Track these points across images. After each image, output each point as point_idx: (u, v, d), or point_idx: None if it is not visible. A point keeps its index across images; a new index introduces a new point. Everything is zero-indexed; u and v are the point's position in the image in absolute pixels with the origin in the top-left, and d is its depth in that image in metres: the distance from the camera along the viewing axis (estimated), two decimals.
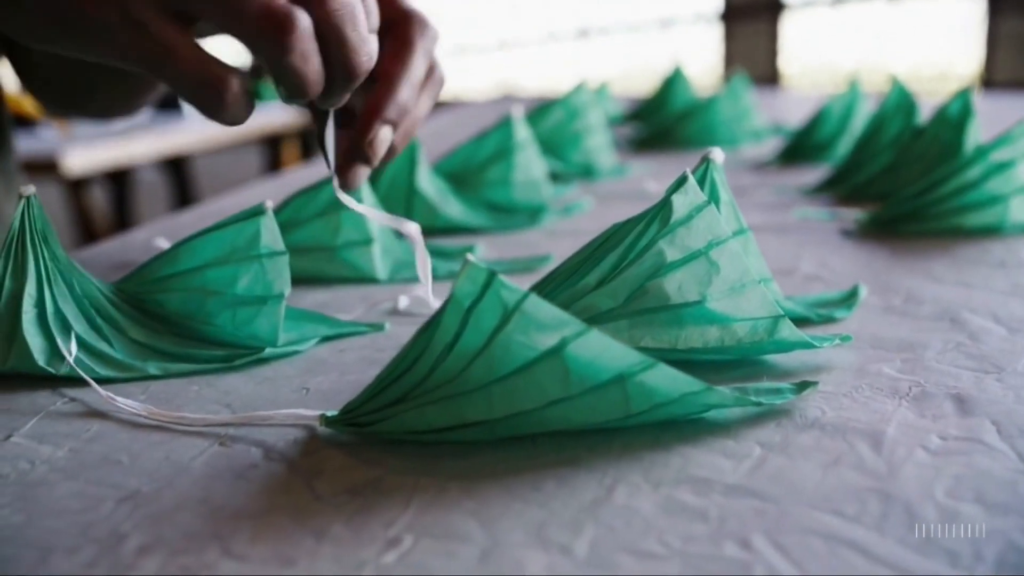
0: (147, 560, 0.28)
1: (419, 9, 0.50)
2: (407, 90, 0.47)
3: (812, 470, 0.33)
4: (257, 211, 0.46)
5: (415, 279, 0.58)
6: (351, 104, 0.50)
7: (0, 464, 0.35)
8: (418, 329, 0.35)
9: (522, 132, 0.76)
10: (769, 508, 0.30)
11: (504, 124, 0.76)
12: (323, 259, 0.58)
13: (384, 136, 0.47)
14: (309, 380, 0.43)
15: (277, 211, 0.57)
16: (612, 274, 0.41)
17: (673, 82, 1.22)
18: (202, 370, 0.44)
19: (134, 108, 0.74)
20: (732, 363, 0.42)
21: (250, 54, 0.42)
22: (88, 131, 2.58)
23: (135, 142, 2.50)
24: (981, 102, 1.44)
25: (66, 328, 0.43)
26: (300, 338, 0.47)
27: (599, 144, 0.92)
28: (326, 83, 0.42)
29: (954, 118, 0.72)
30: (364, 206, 0.46)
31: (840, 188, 0.79)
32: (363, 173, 0.48)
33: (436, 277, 0.58)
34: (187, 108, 2.98)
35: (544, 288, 0.43)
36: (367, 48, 0.42)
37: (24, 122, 2.53)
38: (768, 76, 3.76)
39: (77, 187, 2.51)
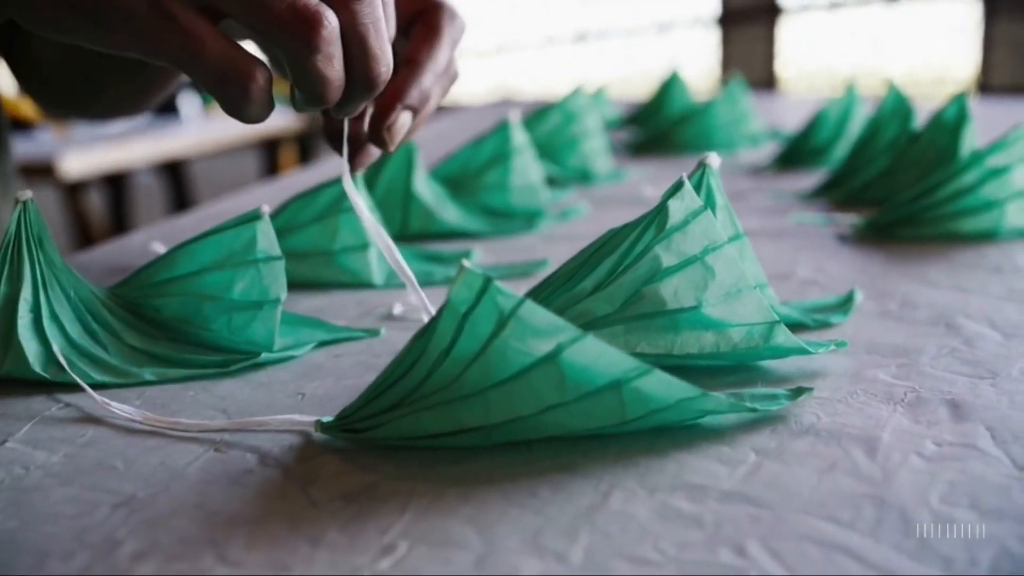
0: (142, 566, 0.28)
1: (448, 0, 0.50)
2: (430, 77, 0.48)
3: (807, 476, 0.33)
4: (253, 216, 0.46)
5: None
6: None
7: None
8: (414, 335, 0.35)
9: (519, 137, 0.76)
10: (764, 514, 0.30)
11: (501, 129, 0.76)
12: (320, 264, 0.58)
13: (404, 121, 0.47)
14: (305, 385, 0.43)
15: (274, 215, 0.57)
16: (608, 279, 0.41)
17: (670, 86, 1.22)
18: (198, 375, 0.44)
19: (141, 107, 0.74)
20: (727, 368, 0.42)
21: (273, 53, 0.41)
22: (85, 134, 2.58)
23: (132, 146, 2.50)
24: (978, 106, 1.44)
25: (62, 333, 0.43)
26: (296, 343, 0.47)
27: (596, 148, 0.92)
28: (344, 91, 0.42)
29: (950, 123, 0.72)
30: (368, 215, 0.46)
31: (836, 193, 0.79)
32: (374, 156, 0.48)
33: (432, 282, 0.58)
34: (185, 112, 2.98)
35: (540, 293, 0.43)
36: (387, 59, 0.42)
37: (21, 125, 2.53)
38: (765, 80, 3.76)
39: (74, 191, 2.51)
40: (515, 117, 0.76)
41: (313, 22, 0.38)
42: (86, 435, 0.38)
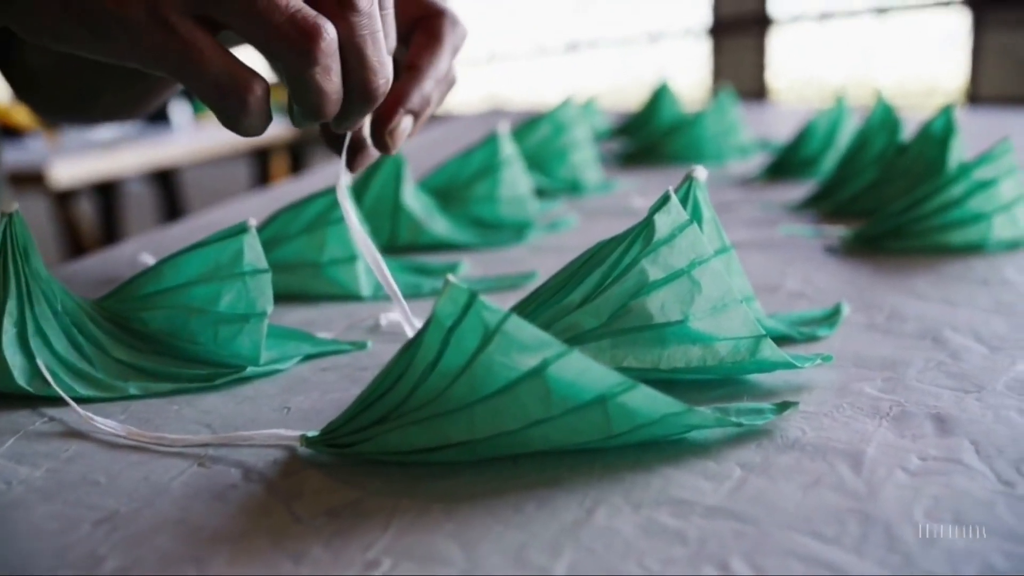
0: None
1: (450, 7, 0.50)
2: (431, 83, 0.48)
3: (792, 491, 0.33)
4: (240, 229, 0.46)
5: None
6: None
7: None
8: (399, 349, 0.35)
9: (508, 148, 0.76)
10: (748, 530, 0.30)
11: (490, 140, 0.76)
12: (308, 276, 0.58)
13: (406, 126, 0.47)
14: (290, 399, 0.43)
15: (263, 226, 0.57)
16: (595, 293, 0.41)
17: (660, 97, 1.22)
18: (183, 389, 0.43)
19: (138, 112, 0.74)
20: (714, 382, 0.42)
21: (272, 66, 0.41)
22: (76, 142, 2.57)
23: (123, 154, 2.50)
24: (967, 117, 1.45)
25: (47, 347, 0.43)
26: (282, 356, 0.47)
27: (585, 159, 0.93)
28: (342, 104, 0.42)
29: (938, 135, 0.72)
30: (358, 225, 0.46)
31: (825, 204, 0.80)
32: (373, 157, 0.49)
33: (421, 295, 0.58)
34: (176, 120, 2.98)
35: (528, 306, 0.43)
36: (385, 71, 0.42)
37: (12, 133, 2.53)
38: (756, 90, 3.77)
39: (64, 199, 2.51)
40: (504, 128, 0.76)
41: (312, 35, 0.38)
42: (70, 450, 0.38)
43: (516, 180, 0.76)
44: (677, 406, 0.34)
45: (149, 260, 0.62)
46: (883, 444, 0.36)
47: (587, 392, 0.33)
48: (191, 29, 0.39)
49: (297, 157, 3.77)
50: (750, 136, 1.13)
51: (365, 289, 0.58)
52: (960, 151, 0.72)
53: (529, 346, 0.33)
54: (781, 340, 0.47)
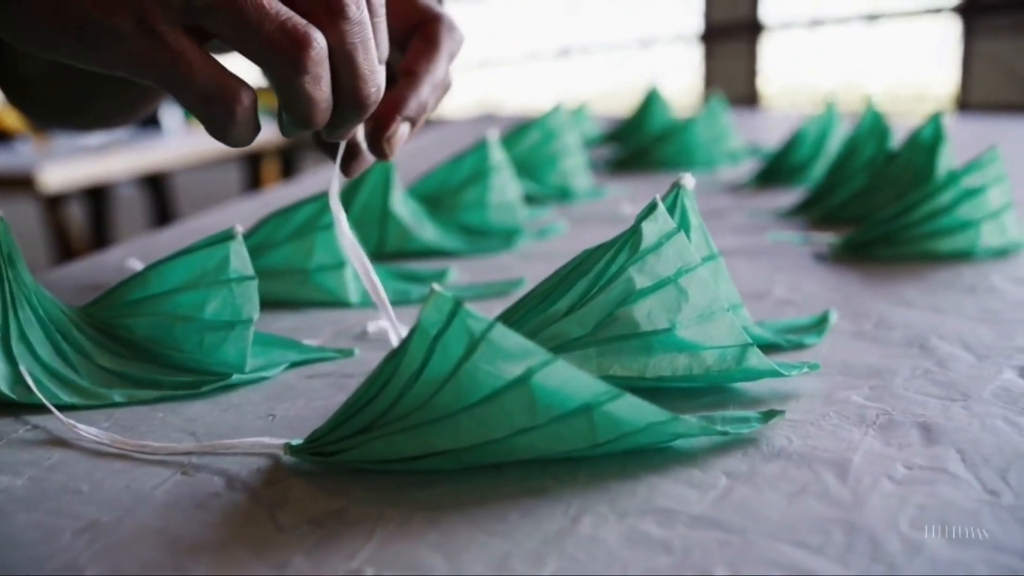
0: None
1: (446, 13, 0.50)
2: (428, 89, 0.48)
3: (777, 500, 0.33)
4: (227, 235, 0.46)
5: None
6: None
7: None
8: (384, 357, 0.35)
9: (497, 155, 0.76)
10: (733, 539, 0.30)
11: (479, 147, 0.76)
12: (296, 283, 0.57)
13: (403, 133, 0.47)
14: (275, 406, 0.42)
15: (251, 233, 0.57)
16: (582, 301, 0.41)
17: (650, 103, 1.22)
18: (168, 396, 0.43)
19: (131, 119, 0.73)
20: (701, 390, 0.42)
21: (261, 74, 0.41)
22: (65, 147, 2.57)
23: (113, 158, 2.49)
24: (957, 124, 1.45)
25: (31, 354, 0.43)
26: (268, 364, 0.46)
27: (575, 166, 0.93)
28: (333, 113, 0.42)
29: (926, 142, 0.72)
30: (348, 231, 0.46)
31: (814, 211, 0.80)
32: (368, 163, 0.49)
33: (409, 301, 0.58)
34: (167, 124, 2.98)
35: (515, 314, 0.43)
36: (376, 79, 0.42)
37: (1, 136, 2.52)
38: (747, 96, 3.78)
39: (54, 203, 2.50)
40: (493, 135, 0.76)
41: (302, 43, 0.38)
42: (52, 458, 0.37)
43: (505, 186, 0.76)
44: (662, 415, 0.34)
45: (137, 266, 0.62)
46: (869, 453, 0.36)
47: (572, 400, 0.33)
48: (179, 39, 0.39)
49: (288, 162, 3.76)
50: (740, 142, 1.13)
51: (353, 296, 0.58)
52: (949, 159, 0.72)
53: (514, 354, 0.32)
54: (768, 348, 0.47)
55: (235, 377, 0.44)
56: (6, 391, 0.41)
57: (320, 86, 0.40)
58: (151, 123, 2.92)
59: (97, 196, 3.03)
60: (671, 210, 0.44)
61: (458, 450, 0.34)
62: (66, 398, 0.42)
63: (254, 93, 0.40)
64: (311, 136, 0.47)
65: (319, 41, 0.39)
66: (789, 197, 0.88)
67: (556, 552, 0.30)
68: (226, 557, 0.30)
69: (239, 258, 0.46)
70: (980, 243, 0.63)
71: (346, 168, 0.48)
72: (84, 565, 0.30)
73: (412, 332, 0.33)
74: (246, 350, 0.45)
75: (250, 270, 0.46)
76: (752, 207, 0.84)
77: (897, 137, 0.81)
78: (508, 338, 0.32)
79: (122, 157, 2.53)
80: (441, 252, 0.70)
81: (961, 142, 0.77)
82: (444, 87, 0.50)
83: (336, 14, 0.40)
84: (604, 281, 0.41)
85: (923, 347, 0.47)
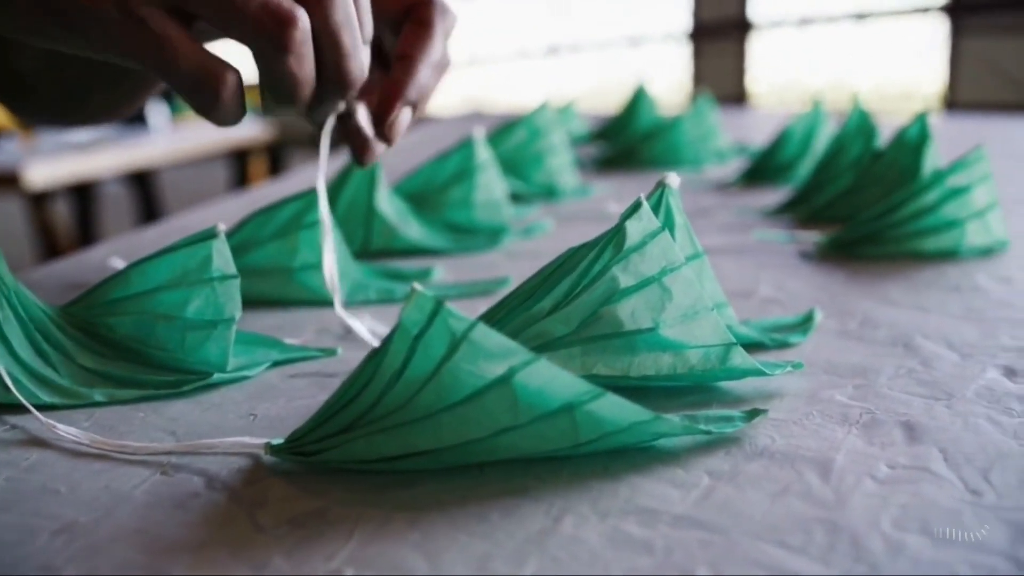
0: None
1: None
2: (426, 71, 0.48)
3: (760, 500, 0.32)
4: (209, 234, 0.45)
5: (371, 302, 0.58)
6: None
7: None
8: (366, 356, 0.34)
9: (483, 153, 0.76)
10: (715, 539, 0.30)
11: (465, 145, 0.75)
12: (280, 281, 0.57)
13: (405, 118, 0.48)
14: (257, 406, 0.42)
15: (234, 231, 0.57)
16: (566, 300, 0.41)
17: (638, 101, 1.22)
18: (149, 396, 0.43)
19: (128, 111, 0.73)
20: (684, 389, 0.42)
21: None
22: (51, 144, 2.56)
23: (99, 155, 2.48)
24: (944, 123, 1.45)
25: (10, 353, 0.42)
26: (250, 363, 0.46)
27: (562, 164, 0.92)
28: (317, 91, 0.42)
29: (912, 142, 0.72)
30: (330, 224, 0.45)
31: (800, 210, 0.80)
32: (379, 151, 0.50)
33: (393, 300, 0.58)
34: (153, 121, 2.97)
35: (498, 313, 0.43)
36: (359, 57, 0.42)
37: None
38: (736, 95, 3.78)
39: (39, 201, 2.49)
40: (479, 133, 0.76)
41: (285, 22, 0.39)
42: (30, 458, 0.37)
43: (491, 185, 0.75)
44: (645, 414, 0.34)
45: (119, 264, 0.62)
46: (852, 452, 0.36)
47: (554, 400, 0.33)
48: (162, 21, 0.39)
49: (276, 159, 3.75)
50: (728, 141, 1.13)
51: (338, 306, 0.57)
52: (934, 158, 0.72)
53: (496, 354, 0.32)
54: (753, 346, 0.47)
55: (217, 376, 0.44)
56: None
57: (303, 65, 0.40)
58: (137, 120, 2.91)
59: (83, 193, 3.02)
60: (656, 209, 0.44)
61: (439, 450, 0.34)
62: (46, 398, 0.42)
63: (239, 73, 0.40)
64: (302, 114, 0.47)
65: (303, 20, 0.39)
66: (775, 196, 0.88)
67: (537, 552, 0.30)
68: (205, 558, 0.30)
69: (221, 257, 0.45)
70: (965, 242, 0.63)
71: (359, 158, 0.49)
72: (61, 566, 0.29)
73: (393, 332, 0.33)
74: (228, 349, 0.45)
75: (232, 269, 0.45)
76: (739, 206, 0.84)
77: (884, 136, 0.81)
78: (490, 338, 0.32)
79: (108, 154, 2.52)
80: (426, 250, 0.70)
81: (948, 141, 0.77)
82: (442, 67, 0.50)
83: None
84: (588, 280, 0.41)
85: (907, 346, 0.47)
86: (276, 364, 0.47)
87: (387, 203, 0.70)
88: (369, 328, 0.52)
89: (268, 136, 3.38)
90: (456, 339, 0.32)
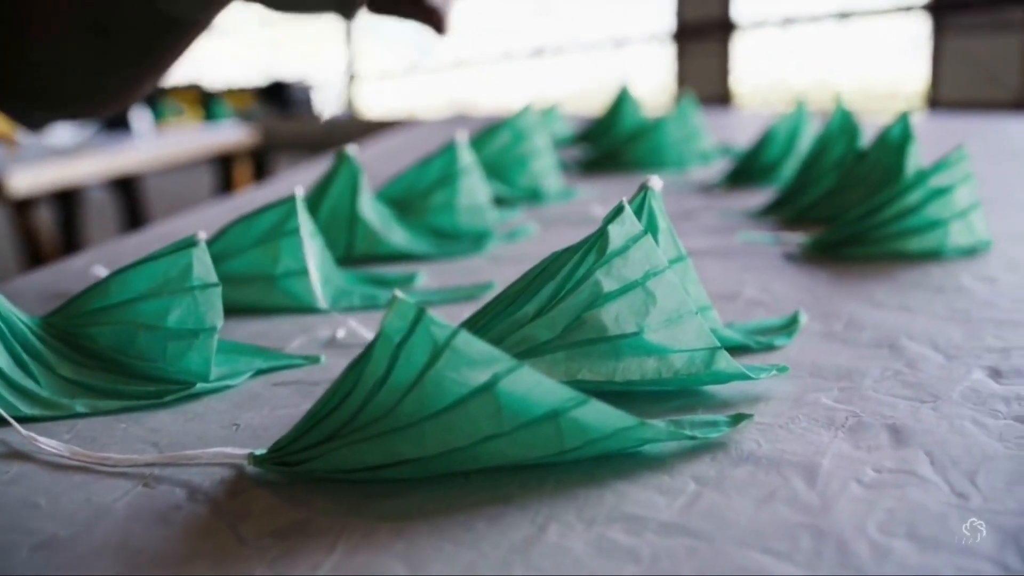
0: None
1: None
2: None
3: (745, 506, 0.32)
4: (189, 242, 0.45)
5: (355, 308, 0.57)
6: None
7: None
8: (348, 365, 0.34)
9: (466, 157, 0.75)
10: (701, 546, 0.30)
11: (448, 149, 0.75)
12: (262, 289, 0.57)
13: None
14: (240, 415, 0.42)
15: (215, 238, 0.56)
16: (549, 304, 0.41)
17: (621, 103, 1.22)
18: (131, 407, 0.43)
19: (136, 95, 0.73)
20: (669, 393, 0.42)
21: None
22: (34, 151, 2.54)
23: (83, 161, 2.47)
24: (927, 121, 1.46)
25: None
26: (233, 372, 0.46)
27: (545, 167, 0.92)
28: None
29: (895, 141, 0.73)
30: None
31: (785, 211, 0.80)
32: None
33: (377, 306, 0.58)
34: (137, 127, 2.95)
35: (481, 319, 0.43)
36: None
37: None
38: (720, 95, 3.79)
39: (23, 208, 2.47)
40: (462, 137, 0.76)
41: None
42: (10, 472, 0.37)
43: (475, 189, 0.75)
44: (630, 420, 0.34)
45: (102, 272, 0.61)
46: (838, 456, 0.36)
47: (539, 407, 0.33)
48: None
49: (260, 164, 3.74)
50: (712, 142, 1.13)
51: (321, 301, 0.57)
52: (917, 158, 0.72)
53: (479, 361, 0.32)
54: (738, 350, 0.47)
55: (199, 386, 0.44)
56: None
57: None
58: (121, 125, 2.90)
59: (67, 200, 3.00)
60: (638, 212, 0.44)
61: (424, 458, 0.33)
62: (26, 410, 0.41)
63: None
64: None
65: None
66: (760, 197, 0.88)
67: (523, 561, 0.29)
68: (187, 571, 0.29)
69: (202, 265, 0.45)
70: (949, 242, 0.63)
71: (439, 27, 0.56)
72: None
73: (375, 339, 0.32)
74: (210, 358, 0.45)
75: (214, 277, 0.45)
76: (723, 207, 0.84)
77: (867, 136, 0.81)
78: (472, 345, 0.32)
79: (91, 160, 2.51)
80: (410, 256, 0.70)
81: (931, 139, 0.77)
82: None
83: None
84: (571, 285, 0.41)
85: (892, 348, 0.47)
86: (259, 373, 0.47)
87: (370, 208, 0.70)
88: (353, 334, 0.52)
89: (252, 141, 3.37)
90: (439, 347, 0.32)
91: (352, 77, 4.82)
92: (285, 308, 0.57)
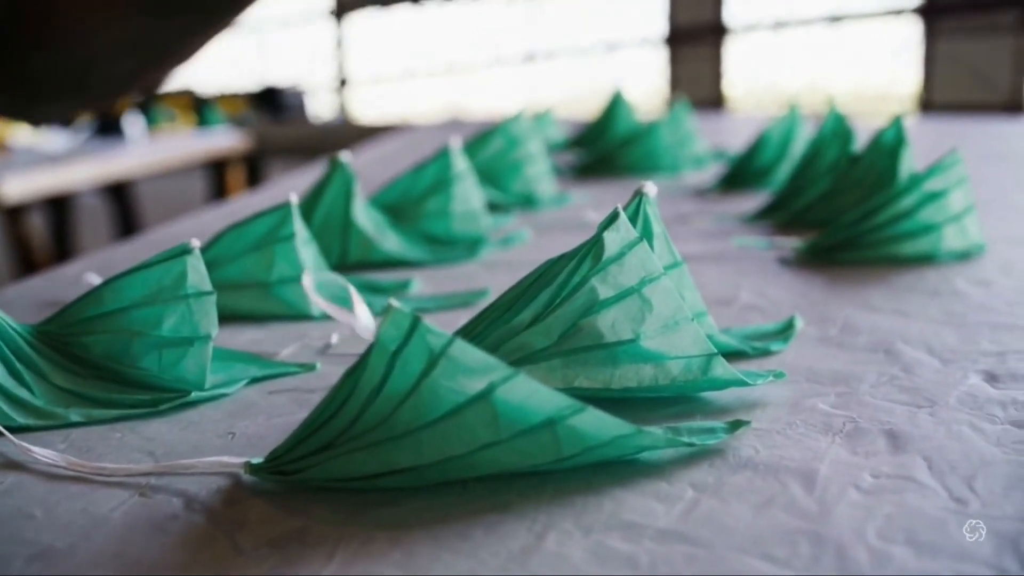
0: None
1: None
2: None
3: (744, 512, 0.32)
4: (183, 250, 0.45)
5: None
6: None
7: None
8: (343, 373, 0.34)
9: (460, 163, 0.75)
10: (699, 553, 0.30)
11: (442, 155, 0.75)
12: (257, 296, 0.56)
13: None
14: (236, 424, 0.42)
15: (207, 246, 0.56)
16: (545, 312, 0.41)
17: (615, 107, 1.22)
18: (126, 415, 0.42)
19: (133, 87, 0.73)
20: (666, 400, 0.42)
21: None
22: (25, 157, 2.54)
23: (74, 167, 2.46)
24: (920, 124, 1.46)
25: None
26: (228, 380, 0.46)
27: (539, 173, 0.92)
28: None
29: (888, 145, 0.73)
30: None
31: (779, 215, 0.80)
32: None
33: (372, 313, 0.57)
34: (129, 132, 2.95)
35: (478, 326, 0.42)
36: None
37: None
38: (713, 99, 3.79)
39: (15, 214, 2.46)
40: (456, 143, 0.76)
41: None
42: (5, 482, 0.36)
43: (469, 195, 0.75)
44: (627, 428, 0.34)
45: (95, 280, 0.61)
46: (836, 462, 0.36)
47: (535, 415, 0.33)
48: None
49: (254, 169, 3.74)
50: (705, 146, 1.13)
51: (315, 309, 0.57)
52: (910, 161, 0.72)
53: (475, 369, 0.32)
54: (734, 355, 0.47)
55: (194, 394, 0.44)
56: None
57: None
58: (113, 130, 2.89)
59: (59, 206, 2.99)
60: (633, 219, 0.44)
61: (421, 467, 0.33)
62: (20, 419, 0.41)
63: None
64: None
65: None
66: (754, 201, 0.88)
67: (521, 569, 0.29)
68: None
69: (196, 273, 0.45)
70: (942, 246, 0.63)
71: None
72: None
73: (371, 348, 0.32)
74: (205, 366, 0.45)
75: (208, 285, 0.45)
76: (717, 212, 0.84)
77: (860, 139, 0.81)
78: (468, 353, 0.32)
79: (84, 166, 2.51)
80: (404, 262, 0.69)
81: (924, 142, 0.77)
82: None
83: None
84: (567, 292, 0.40)
85: (888, 352, 0.47)
86: (255, 381, 0.47)
87: (364, 215, 0.69)
88: (349, 340, 0.51)
89: (245, 146, 3.36)
90: (434, 355, 0.32)
91: (344, 82, 4.82)
92: (280, 315, 0.57)
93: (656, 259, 0.41)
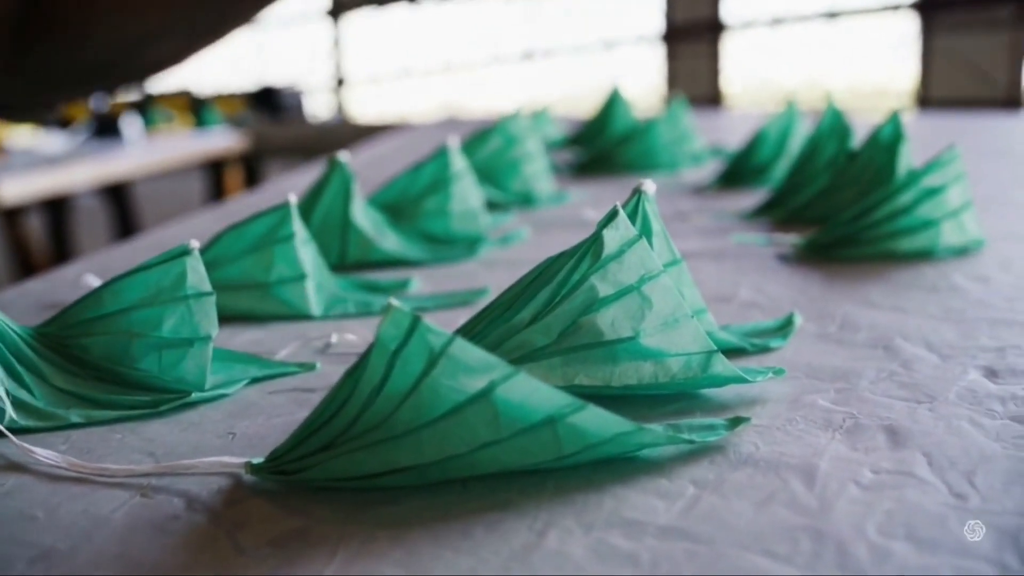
0: None
1: None
2: None
3: (745, 509, 0.32)
4: (182, 251, 0.45)
5: (349, 315, 0.57)
6: None
7: None
8: (344, 373, 0.34)
9: (459, 162, 0.75)
10: (701, 550, 0.30)
11: (440, 154, 0.75)
12: (256, 296, 0.56)
13: None
14: (236, 424, 0.42)
15: (206, 247, 0.56)
16: (545, 310, 0.41)
17: (612, 105, 1.22)
18: (126, 416, 0.42)
19: (140, 78, 0.73)
20: (666, 397, 0.42)
21: None
22: (23, 159, 2.54)
23: (72, 168, 2.46)
24: (917, 120, 1.46)
25: None
26: (229, 380, 0.46)
27: (537, 171, 0.92)
28: None
29: (886, 141, 0.73)
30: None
31: (777, 212, 0.80)
32: None
33: (371, 312, 0.57)
34: (127, 133, 2.95)
35: (478, 324, 0.42)
36: None
37: None
38: (711, 96, 3.80)
39: (12, 216, 2.46)
40: (454, 142, 0.76)
41: None
42: (6, 484, 0.37)
43: (467, 194, 0.75)
44: (628, 425, 0.34)
45: (94, 282, 0.61)
46: (836, 458, 0.36)
47: (536, 413, 0.33)
48: None
49: (252, 169, 3.74)
50: (703, 143, 1.13)
51: (315, 308, 0.57)
52: (908, 157, 0.72)
53: (475, 368, 0.32)
54: (734, 352, 0.47)
55: (195, 395, 0.44)
56: None
57: None
58: (111, 132, 2.89)
59: (57, 208, 2.99)
60: (632, 216, 0.44)
61: (421, 466, 0.33)
62: (21, 421, 0.41)
63: None
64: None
65: None
66: (752, 198, 0.88)
67: (522, 567, 0.29)
68: None
69: (196, 274, 0.45)
70: (941, 242, 0.63)
71: None
72: None
73: (371, 347, 0.32)
74: (205, 367, 0.45)
75: (207, 286, 0.45)
76: (716, 209, 0.84)
77: (858, 135, 0.81)
78: (469, 352, 0.32)
79: (82, 167, 2.50)
80: (403, 261, 0.70)
81: (922, 138, 0.77)
82: None
83: None
84: (567, 290, 0.41)
85: (888, 348, 0.47)
86: (255, 381, 0.47)
87: (363, 215, 0.69)
88: (348, 341, 0.51)
89: (243, 146, 3.36)
90: (435, 354, 0.32)
91: (341, 81, 4.82)
92: (279, 315, 0.57)
93: (655, 257, 0.41)
